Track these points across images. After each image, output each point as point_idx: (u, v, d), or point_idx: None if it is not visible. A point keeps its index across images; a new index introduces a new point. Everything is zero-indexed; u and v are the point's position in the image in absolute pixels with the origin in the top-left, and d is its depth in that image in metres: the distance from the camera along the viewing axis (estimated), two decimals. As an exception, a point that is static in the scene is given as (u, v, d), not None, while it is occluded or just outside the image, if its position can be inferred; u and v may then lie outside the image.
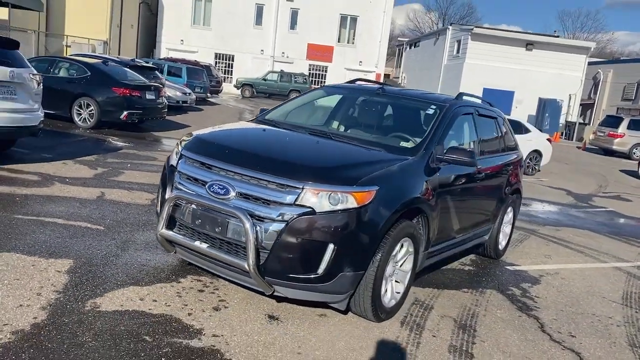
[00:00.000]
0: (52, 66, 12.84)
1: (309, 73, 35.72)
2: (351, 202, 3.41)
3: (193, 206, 3.62)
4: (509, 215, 6.26)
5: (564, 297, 5.16)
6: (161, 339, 3.13)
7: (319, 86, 34.46)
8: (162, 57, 31.78)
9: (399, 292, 4.04)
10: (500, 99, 35.10)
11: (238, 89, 31.84)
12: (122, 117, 11.89)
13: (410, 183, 3.87)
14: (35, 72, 7.45)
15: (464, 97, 5.26)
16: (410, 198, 3.80)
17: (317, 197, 3.37)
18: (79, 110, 12.03)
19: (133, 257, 4.37)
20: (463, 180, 4.75)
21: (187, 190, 3.71)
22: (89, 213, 5.39)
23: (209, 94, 23.90)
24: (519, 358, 3.68)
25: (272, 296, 3.84)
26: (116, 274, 3.97)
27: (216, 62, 35.25)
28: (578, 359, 3.85)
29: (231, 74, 35.39)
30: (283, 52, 35.64)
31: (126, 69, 13.80)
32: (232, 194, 3.50)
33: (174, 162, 3.94)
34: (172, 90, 18.48)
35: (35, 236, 4.50)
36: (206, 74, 23.82)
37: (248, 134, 4.42)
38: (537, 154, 15.17)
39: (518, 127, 14.97)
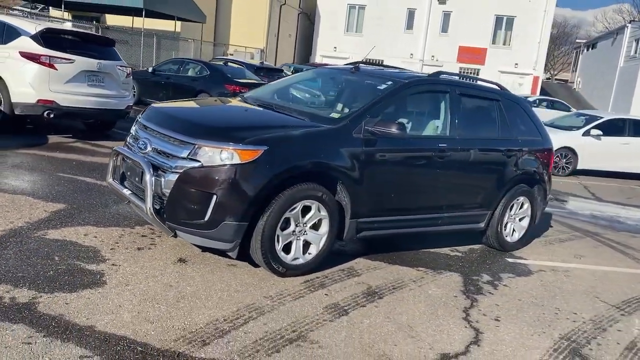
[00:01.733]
0: (181, 66, 14.76)
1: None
2: (236, 159, 3.75)
3: (125, 159, 4.28)
4: (523, 207, 5.88)
5: (541, 291, 4.78)
6: (66, 260, 3.81)
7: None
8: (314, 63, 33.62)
9: (310, 254, 4.22)
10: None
11: (383, 92, 32.31)
12: (231, 111, 13.22)
13: (314, 148, 4.05)
14: (125, 65, 8.85)
15: (442, 76, 5.16)
16: (309, 162, 3.99)
17: (206, 153, 3.78)
18: (198, 105, 13.64)
19: (116, 209, 5.16)
20: (416, 157, 4.72)
21: (131, 148, 4.37)
22: (120, 177, 6.38)
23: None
24: (402, 326, 3.65)
25: (199, 246, 4.31)
26: (87, 217, 4.79)
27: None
28: (474, 335, 3.68)
29: (380, 79, 35.97)
30: (433, 56, 35.28)
31: (245, 69, 15.24)
32: (149, 148, 4.08)
33: (133, 127, 4.64)
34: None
35: (57, 187, 5.55)
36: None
37: (192, 105, 4.97)
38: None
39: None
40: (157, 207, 3.94)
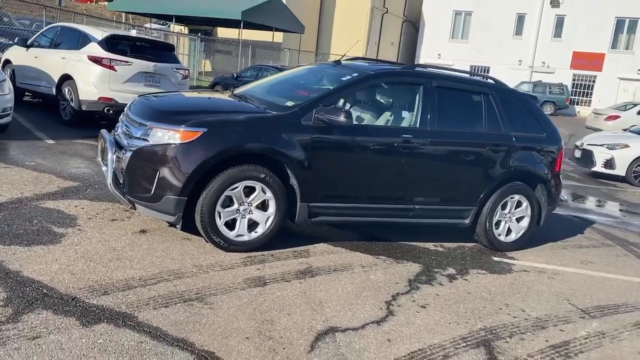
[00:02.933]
0: (259, 72, 15.67)
1: (573, 83, 32.62)
2: (177, 139, 4.17)
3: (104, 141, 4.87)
4: (520, 206, 5.65)
5: (503, 289, 4.63)
6: (42, 223, 4.45)
7: (583, 97, 31.19)
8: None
9: (257, 232, 4.50)
10: None
11: (486, 100, 31.24)
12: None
13: (256, 132, 4.33)
14: (183, 67, 9.71)
15: (417, 69, 5.18)
16: (248, 144, 4.28)
17: (154, 133, 4.25)
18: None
19: (121, 188, 5.80)
20: (374, 146, 4.79)
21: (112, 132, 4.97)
22: (147, 165, 7.09)
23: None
24: (312, 301, 3.80)
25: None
26: (89, 194, 5.47)
27: (470, 74, 35.18)
28: (383, 316, 3.72)
29: (485, 86, 34.81)
30: (543, 62, 33.39)
31: (321, 74, 15.79)
32: (120, 131, 4.64)
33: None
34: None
35: (83, 170, 6.35)
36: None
37: (166, 94, 5.43)
38: None
39: None
40: (121, 181, 4.47)
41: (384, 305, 3.92)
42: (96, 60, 8.64)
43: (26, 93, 10.59)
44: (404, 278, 4.51)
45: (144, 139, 4.28)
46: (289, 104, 4.72)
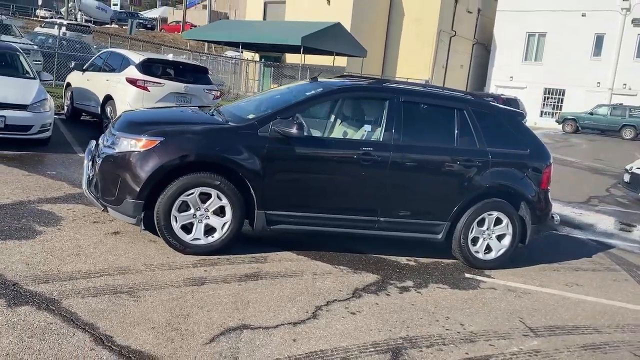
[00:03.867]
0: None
1: (657, 107, 30.48)
2: (137, 147, 4.56)
3: (93, 151, 5.37)
4: (500, 223, 5.52)
5: (455, 303, 4.58)
6: (28, 222, 4.97)
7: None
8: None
9: (213, 237, 4.76)
10: None
11: (559, 123, 30.00)
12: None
13: (210, 142, 4.64)
14: (215, 88, 10.31)
15: (384, 84, 5.28)
16: (202, 153, 4.59)
17: (120, 142, 4.67)
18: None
19: (121, 196, 6.30)
20: (332, 158, 4.95)
21: (104, 143, 5.47)
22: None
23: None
24: (239, 301, 3.99)
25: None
26: (84, 198, 5.98)
27: (545, 97, 34.00)
28: (304, 319, 3.83)
29: (560, 109, 33.37)
30: (625, 84, 31.52)
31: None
32: (100, 141, 5.12)
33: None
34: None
35: (96, 179, 6.94)
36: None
37: (153, 110, 5.86)
38: None
39: None
40: (94, 186, 4.92)
41: (311, 309, 4.03)
42: (132, 81, 9.41)
43: (83, 113, 11.62)
44: (351, 287, 4.58)
45: (111, 147, 4.72)
46: (250, 116, 5.00)
